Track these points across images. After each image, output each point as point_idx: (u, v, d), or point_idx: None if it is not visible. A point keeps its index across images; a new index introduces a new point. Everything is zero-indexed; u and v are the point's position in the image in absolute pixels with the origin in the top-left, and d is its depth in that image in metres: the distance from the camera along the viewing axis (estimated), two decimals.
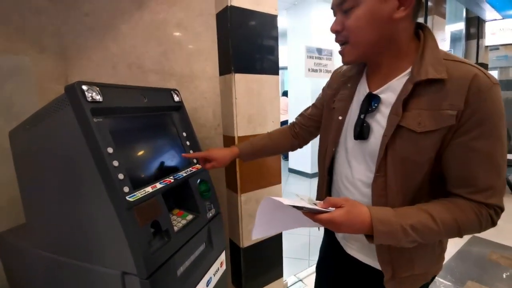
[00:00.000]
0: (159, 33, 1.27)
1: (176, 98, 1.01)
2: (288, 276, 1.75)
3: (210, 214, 1.00)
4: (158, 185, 0.80)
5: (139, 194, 0.72)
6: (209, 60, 1.26)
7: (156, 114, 0.92)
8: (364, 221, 0.52)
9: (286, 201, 0.51)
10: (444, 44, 3.34)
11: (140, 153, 0.81)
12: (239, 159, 1.16)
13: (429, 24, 2.92)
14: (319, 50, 1.75)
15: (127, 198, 0.68)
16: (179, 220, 0.89)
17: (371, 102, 0.62)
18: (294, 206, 0.50)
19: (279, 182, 1.39)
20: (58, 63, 1.32)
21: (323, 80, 1.02)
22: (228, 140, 1.25)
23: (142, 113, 0.85)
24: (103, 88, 0.71)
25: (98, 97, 0.69)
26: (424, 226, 0.52)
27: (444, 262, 0.69)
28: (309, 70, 1.72)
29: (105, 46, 1.33)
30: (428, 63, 0.54)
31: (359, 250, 0.70)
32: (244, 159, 0.96)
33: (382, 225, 0.51)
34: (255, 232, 0.58)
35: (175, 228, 0.84)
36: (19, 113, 0.96)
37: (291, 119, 4.40)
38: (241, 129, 1.20)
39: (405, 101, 0.55)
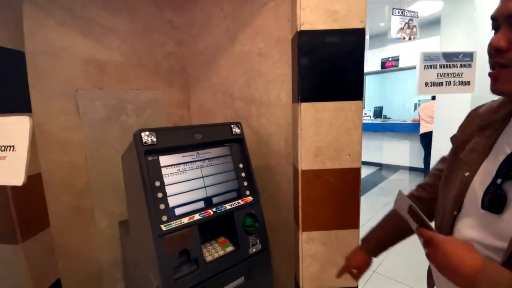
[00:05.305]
0: (245, 63, 1.37)
1: (236, 131, 1.07)
2: None
3: (254, 250, 1.00)
4: (197, 217, 0.89)
5: (174, 224, 0.84)
6: (283, 88, 1.22)
7: (212, 148, 1.01)
8: (467, 265, 0.43)
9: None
10: None
11: (188, 184, 0.93)
12: (303, 182, 1.09)
13: None
14: (448, 55, 1.26)
15: (162, 226, 0.82)
16: (218, 250, 0.95)
17: None
18: (411, 209, 0.50)
19: (356, 227, 1.15)
20: (182, 94, 1.71)
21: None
22: (295, 171, 1.18)
23: (197, 149, 0.97)
24: (159, 131, 0.87)
25: (154, 140, 0.86)
26: None
27: None
28: (426, 84, 1.28)
29: (210, 78, 1.58)
30: None
31: None
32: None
33: (488, 284, 0.41)
34: None
35: (210, 258, 0.91)
36: None
37: (437, 130, 3.41)
38: (305, 162, 1.09)
39: None
